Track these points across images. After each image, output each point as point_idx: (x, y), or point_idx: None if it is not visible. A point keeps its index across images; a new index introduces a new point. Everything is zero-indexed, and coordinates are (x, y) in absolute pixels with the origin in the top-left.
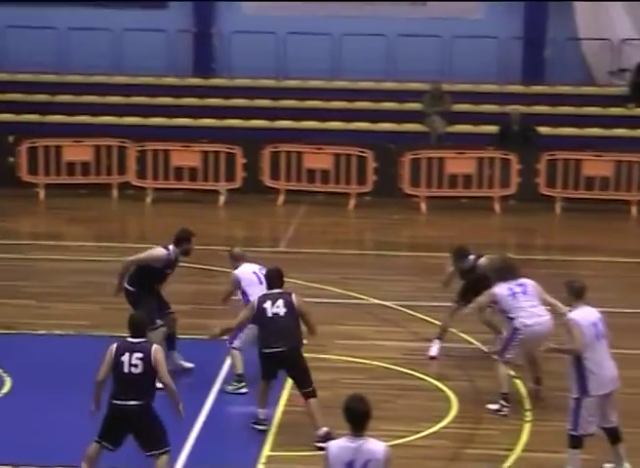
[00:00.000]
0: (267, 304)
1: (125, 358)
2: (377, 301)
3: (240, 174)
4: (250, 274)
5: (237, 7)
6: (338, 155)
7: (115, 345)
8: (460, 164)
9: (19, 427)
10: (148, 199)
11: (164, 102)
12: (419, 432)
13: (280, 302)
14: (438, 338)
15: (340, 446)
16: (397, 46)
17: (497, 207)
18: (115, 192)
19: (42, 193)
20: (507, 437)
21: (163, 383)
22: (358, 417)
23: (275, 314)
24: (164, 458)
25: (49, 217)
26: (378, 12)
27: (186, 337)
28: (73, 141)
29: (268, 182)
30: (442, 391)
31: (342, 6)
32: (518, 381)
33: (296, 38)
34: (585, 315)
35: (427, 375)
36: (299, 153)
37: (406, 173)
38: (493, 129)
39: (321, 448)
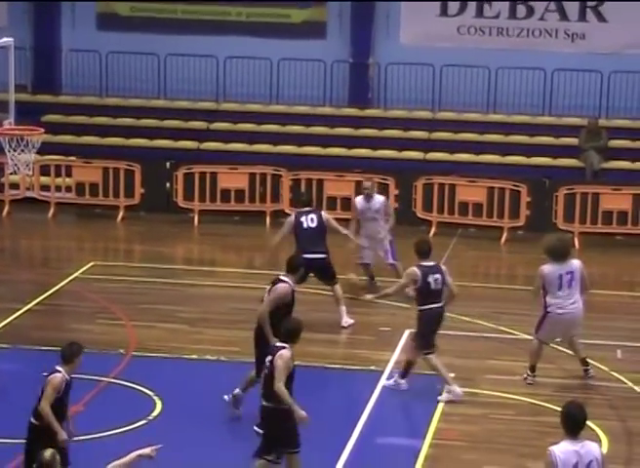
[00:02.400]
0: None
1: (267, 359)
2: (528, 337)
3: (393, 204)
4: None
5: (395, 38)
6: (491, 188)
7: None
8: (615, 200)
9: (166, 453)
10: None
11: (319, 132)
12: None
13: None
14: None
15: (564, 450)
16: (555, 80)
17: None
18: (268, 220)
19: (197, 219)
20: None
21: (275, 389)
22: (579, 423)
23: None
24: (294, 458)
25: (203, 243)
26: (536, 46)
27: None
28: (229, 169)
29: (420, 214)
30: (593, 430)
31: (500, 39)
32: None
33: (452, 70)
34: None
35: None
36: (452, 185)
37: (560, 208)
38: None
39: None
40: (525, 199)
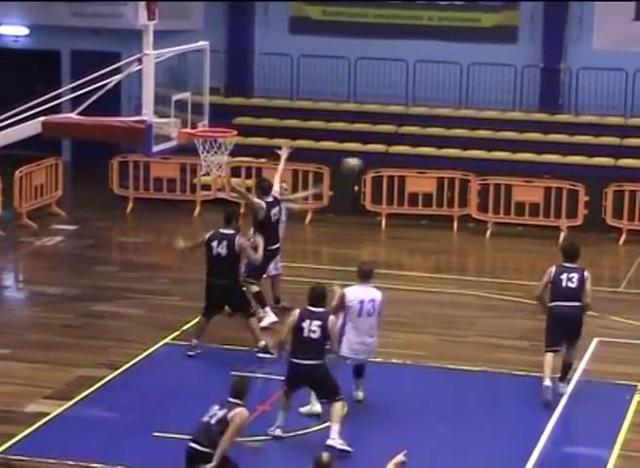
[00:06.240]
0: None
1: (305, 324)
2: None
3: (582, 211)
4: None
5: (587, 42)
6: None
7: (298, 311)
8: None
9: (359, 454)
10: (488, 232)
11: (508, 137)
12: None
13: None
14: None
15: None
16: None
17: None
18: (456, 224)
19: (384, 222)
20: None
21: (332, 346)
22: None
23: None
24: (338, 405)
25: (390, 247)
26: None
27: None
28: (417, 173)
29: (610, 221)
30: None
31: None
32: None
33: None
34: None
35: None
36: None
37: None
38: None
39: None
40: None
